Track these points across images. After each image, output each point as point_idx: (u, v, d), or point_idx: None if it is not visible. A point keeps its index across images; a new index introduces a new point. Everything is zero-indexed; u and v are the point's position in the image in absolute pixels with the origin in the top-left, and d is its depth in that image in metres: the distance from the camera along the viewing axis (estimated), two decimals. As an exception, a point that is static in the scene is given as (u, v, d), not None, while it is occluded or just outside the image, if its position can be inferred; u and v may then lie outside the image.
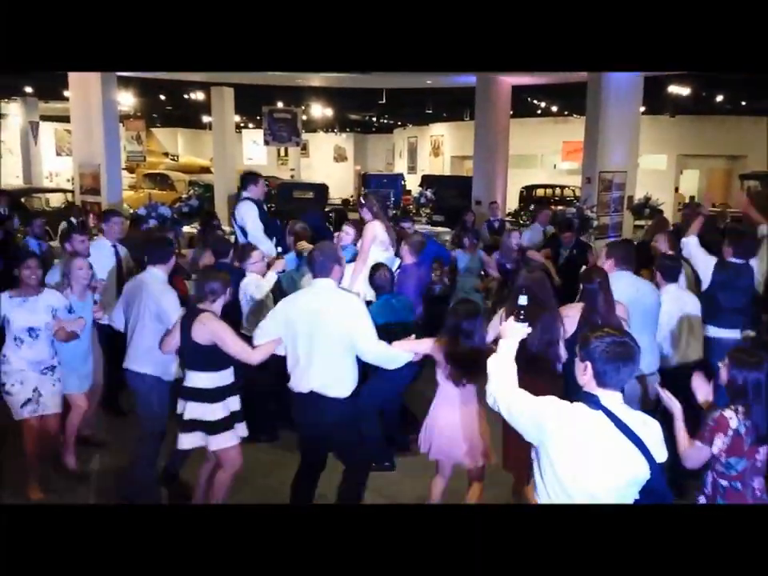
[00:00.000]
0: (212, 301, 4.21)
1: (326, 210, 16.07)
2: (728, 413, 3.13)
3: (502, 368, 2.79)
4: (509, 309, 3.05)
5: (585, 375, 2.59)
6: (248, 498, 4.74)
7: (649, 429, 2.56)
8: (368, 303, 5.54)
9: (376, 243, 6.12)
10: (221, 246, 6.11)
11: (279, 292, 5.64)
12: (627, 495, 2.54)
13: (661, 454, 2.57)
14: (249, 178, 7.10)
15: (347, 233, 6.43)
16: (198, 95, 19.92)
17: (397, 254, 6.42)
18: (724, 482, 3.19)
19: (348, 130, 33.90)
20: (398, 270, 6.15)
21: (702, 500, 3.29)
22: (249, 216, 6.76)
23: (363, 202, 6.49)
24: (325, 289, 4.15)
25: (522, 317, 2.97)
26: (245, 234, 6.80)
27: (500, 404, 2.70)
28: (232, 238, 7.36)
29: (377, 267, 5.57)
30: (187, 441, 4.24)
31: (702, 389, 3.47)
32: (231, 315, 5.14)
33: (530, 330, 2.99)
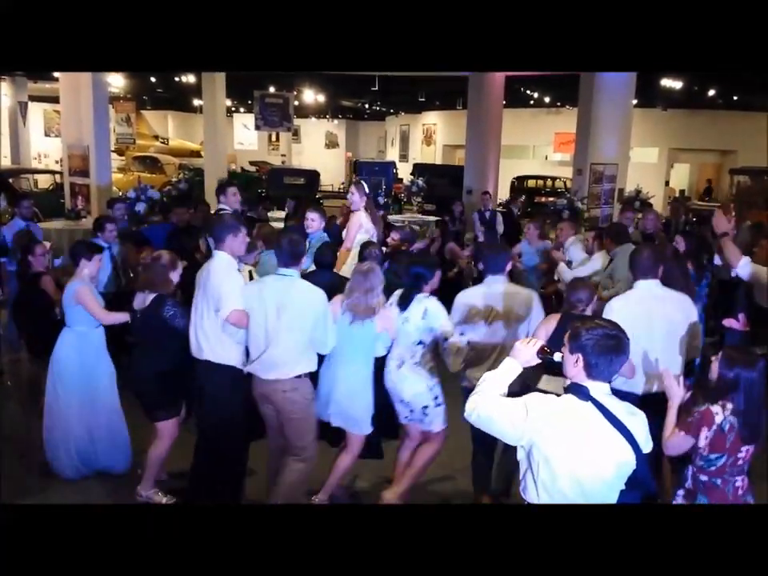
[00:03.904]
0: (582, 309, 4.03)
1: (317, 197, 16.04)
2: (715, 408, 3.12)
3: (494, 384, 2.71)
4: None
5: (576, 367, 2.59)
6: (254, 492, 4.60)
7: (636, 420, 2.57)
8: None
9: (361, 232, 6.35)
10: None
11: None
12: (614, 485, 2.56)
13: (647, 445, 2.59)
14: (218, 189, 6.99)
15: (312, 219, 6.22)
16: (189, 78, 19.75)
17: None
18: (703, 477, 3.20)
19: (340, 116, 33.75)
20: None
21: (681, 493, 3.29)
22: None
23: (354, 189, 6.57)
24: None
25: (542, 357, 2.75)
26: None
27: (480, 413, 2.62)
28: None
29: (367, 244, 5.62)
30: None
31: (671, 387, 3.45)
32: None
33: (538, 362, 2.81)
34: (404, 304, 4.31)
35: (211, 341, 4.14)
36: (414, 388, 4.27)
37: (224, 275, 4.10)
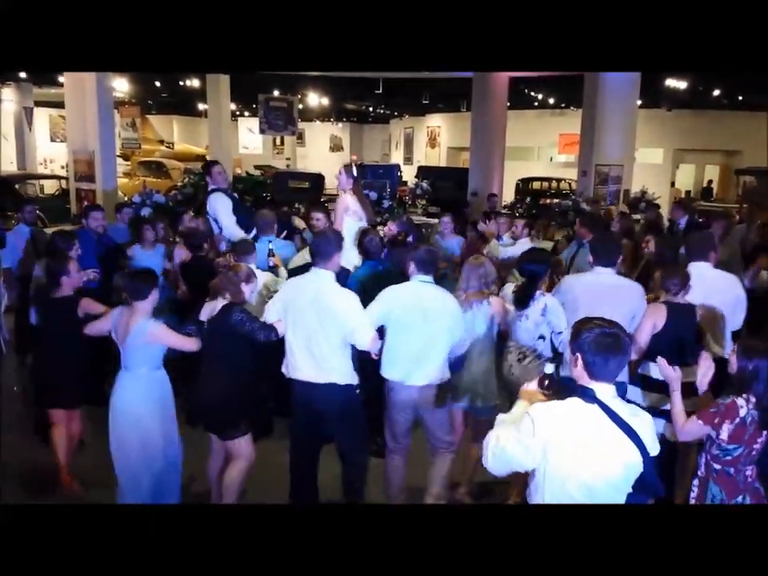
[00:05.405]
0: (676, 293, 4.21)
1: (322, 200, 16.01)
2: (740, 401, 3.13)
3: (505, 425, 2.68)
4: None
5: (577, 367, 2.59)
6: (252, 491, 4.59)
7: (642, 421, 2.56)
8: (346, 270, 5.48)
9: (349, 213, 6.12)
10: (194, 239, 6.02)
11: None
12: (622, 488, 2.54)
13: (653, 447, 2.57)
14: (204, 168, 7.09)
15: (318, 218, 6.39)
16: (194, 82, 19.83)
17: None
18: (717, 465, 3.22)
19: (344, 119, 33.81)
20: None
21: (695, 482, 3.32)
22: (220, 209, 6.73)
23: (342, 170, 6.33)
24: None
25: (547, 387, 2.76)
26: (219, 226, 6.76)
27: (495, 451, 2.59)
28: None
29: (366, 232, 5.53)
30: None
31: (703, 367, 3.44)
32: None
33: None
34: (522, 302, 4.40)
35: (336, 364, 4.03)
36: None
37: (347, 303, 4.01)
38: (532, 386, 2.82)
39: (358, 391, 4.17)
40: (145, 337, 4.07)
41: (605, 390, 2.54)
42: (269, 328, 4.11)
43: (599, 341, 2.51)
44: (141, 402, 4.11)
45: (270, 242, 5.66)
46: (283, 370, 4.19)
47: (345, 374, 4.07)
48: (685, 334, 4.15)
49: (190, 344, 4.22)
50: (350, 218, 6.10)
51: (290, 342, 4.11)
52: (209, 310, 4.24)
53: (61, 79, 14.33)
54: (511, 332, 4.48)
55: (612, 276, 4.49)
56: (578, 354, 2.56)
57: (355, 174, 6.32)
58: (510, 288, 4.60)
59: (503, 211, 12.74)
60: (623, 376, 4.24)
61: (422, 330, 4.10)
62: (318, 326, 3.99)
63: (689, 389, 3.79)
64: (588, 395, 2.53)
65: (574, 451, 2.48)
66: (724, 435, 3.14)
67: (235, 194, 7.26)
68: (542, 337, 4.41)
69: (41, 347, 4.88)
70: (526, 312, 4.40)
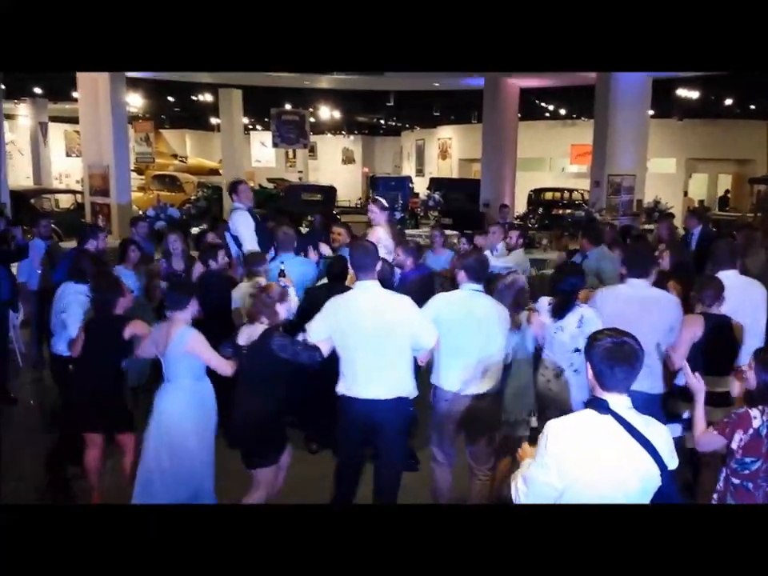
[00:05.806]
0: (709, 305, 4.30)
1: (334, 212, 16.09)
2: (754, 411, 3.09)
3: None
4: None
5: (589, 377, 2.60)
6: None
7: (658, 434, 2.53)
8: None
9: (379, 247, 6.17)
10: (205, 254, 6.00)
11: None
12: (639, 500, 2.50)
13: (672, 461, 2.54)
14: (231, 186, 7.10)
15: (339, 233, 6.60)
16: (207, 97, 19.99)
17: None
18: (736, 480, 3.17)
19: (356, 132, 33.92)
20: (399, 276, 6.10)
21: (714, 497, 3.27)
22: (242, 228, 6.70)
23: (374, 207, 6.61)
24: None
25: (534, 436, 2.78)
26: (238, 243, 6.71)
27: (523, 485, 2.59)
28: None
29: None
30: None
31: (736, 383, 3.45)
32: (221, 323, 5.01)
33: None
34: (560, 313, 4.34)
35: (406, 376, 3.97)
36: (579, 395, 4.17)
37: (406, 307, 3.93)
38: (526, 446, 2.84)
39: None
40: (185, 345, 4.04)
41: (618, 401, 2.52)
42: (312, 348, 3.95)
43: (606, 348, 2.51)
44: (184, 413, 4.08)
45: (282, 262, 5.65)
46: (343, 391, 4.00)
47: (412, 386, 4.01)
48: (721, 345, 4.16)
49: (224, 366, 4.11)
50: (381, 251, 6.17)
51: (352, 362, 3.94)
52: (246, 334, 4.09)
53: (75, 95, 14.48)
54: (546, 344, 4.42)
55: (647, 288, 4.40)
56: (588, 363, 2.58)
57: (386, 205, 6.52)
58: (545, 300, 4.51)
59: (515, 222, 12.78)
60: (659, 388, 4.27)
61: (477, 338, 4.10)
62: (384, 339, 3.87)
63: (725, 398, 3.77)
64: (602, 406, 2.51)
65: (587, 462, 2.46)
66: (734, 445, 3.10)
67: (258, 217, 7.23)
68: (577, 350, 4.26)
69: (87, 369, 4.58)
70: (561, 323, 4.32)
